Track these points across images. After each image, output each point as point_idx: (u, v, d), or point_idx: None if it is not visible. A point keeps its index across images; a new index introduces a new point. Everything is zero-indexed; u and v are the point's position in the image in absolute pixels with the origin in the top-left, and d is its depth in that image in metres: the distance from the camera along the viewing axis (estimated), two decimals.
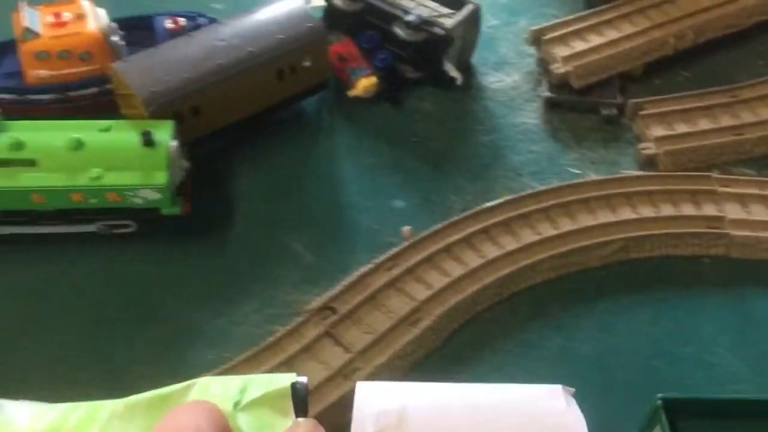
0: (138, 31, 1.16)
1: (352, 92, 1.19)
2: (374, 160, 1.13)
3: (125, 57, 1.11)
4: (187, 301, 0.95)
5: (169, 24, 1.15)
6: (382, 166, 1.12)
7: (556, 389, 0.60)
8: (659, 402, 0.73)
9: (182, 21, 1.16)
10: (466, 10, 1.19)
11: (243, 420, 0.48)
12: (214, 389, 0.50)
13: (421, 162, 1.13)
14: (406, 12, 1.18)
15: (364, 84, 1.18)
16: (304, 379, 0.50)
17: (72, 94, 1.09)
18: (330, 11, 1.23)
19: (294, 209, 1.07)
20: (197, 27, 1.16)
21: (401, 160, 1.13)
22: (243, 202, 1.06)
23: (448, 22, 1.16)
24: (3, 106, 1.09)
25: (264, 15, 1.09)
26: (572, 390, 0.60)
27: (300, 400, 0.49)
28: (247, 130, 1.11)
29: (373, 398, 0.58)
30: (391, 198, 1.08)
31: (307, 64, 1.10)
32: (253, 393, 0.49)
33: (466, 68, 1.25)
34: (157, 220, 0.96)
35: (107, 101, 1.11)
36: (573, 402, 0.59)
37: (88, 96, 1.10)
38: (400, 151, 1.14)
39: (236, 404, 0.48)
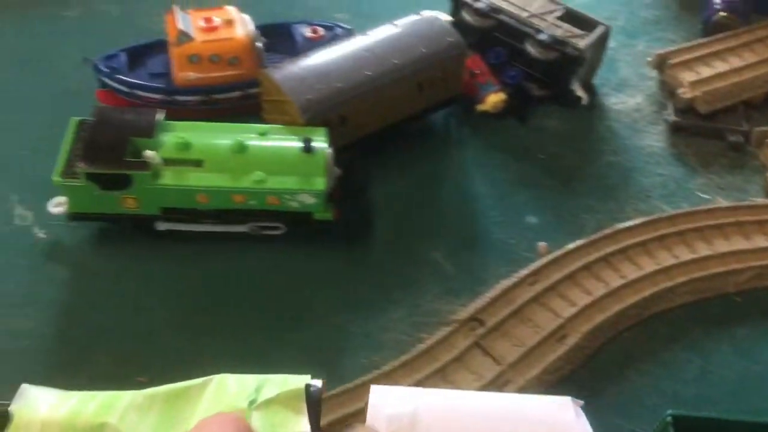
0: (276, 37, 1.20)
1: (481, 107, 1.21)
2: (504, 175, 1.15)
3: (266, 61, 1.15)
4: (334, 305, 0.97)
5: (308, 33, 1.18)
6: (512, 182, 1.14)
7: (566, 401, 0.60)
8: (668, 419, 0.73)
9: (321, 30, 1.19)
10: (598, 31, 1.21)
11: (257, 417, 0.49)
12: (231, 386, 0.51)
13: (550, 179, 1.15)
14: (538, 31, 1.20)
15: (493, 100, 1.20)
16: (318, 383, 0.51)
17: (217, 96, 1.13)
18: (458, 26, 1.26)
19: (430, 218, 1.09)
20: (335, 37, 1.19)
21: (530, 176, 1.15)
22: (381, 209, 1.08)
23: (581, 43, 1.18)
24: (150, 105, 1.13)
25: (406, 28, 1.12)
26: (581, 402, 0.60)
27: (313, 402, 0.50)
28: (382, 140, 1.14)
29: (387, 401, 0.59)
30: (523, 213, 1.10)
31: (445, 77, 1.12)
32: (268, 392, 0.51)
33: (590, 88, 1.27)
34: (307, 223, 0.99)
35: (248, 104, 1.14)
36: (582, 414, 0.59)
37: (231, 99, 1.14)
38: (529, 167, 1.16)
39: (251, 402, 0.50)
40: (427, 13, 1.25)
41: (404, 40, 1.10)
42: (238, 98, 1.14)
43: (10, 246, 0.99)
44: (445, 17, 1.27)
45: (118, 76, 1.10)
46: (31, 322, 0.92)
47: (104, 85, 1.13)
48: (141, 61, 1.15)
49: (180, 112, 1.12)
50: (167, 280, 0.98)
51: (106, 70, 1.10)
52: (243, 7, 1.19)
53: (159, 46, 1.16)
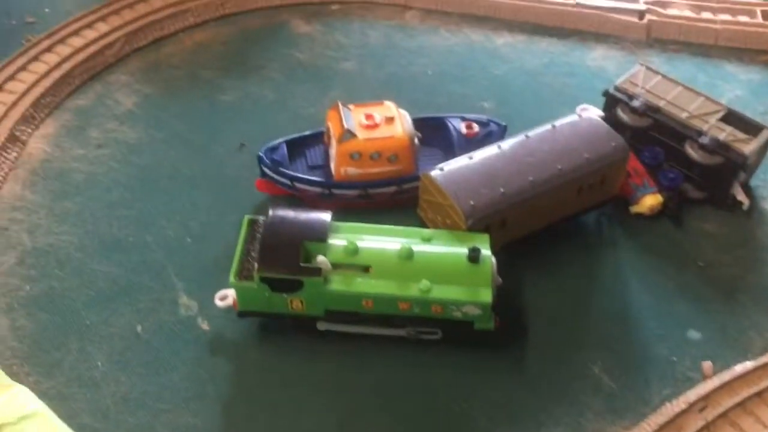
0: (431, 130, 1.21)
1: (636, 209, 1.18)
2: (661, 282, 1.11)
3: (421, 156, 1.16)
4: (492, 417, 0.96)
5: (463, 129, 1.19)
6: (670, 291, 1.10)
7: None
8: None
9: (476, 126, 1.19)
10: (764, 135, 1.16)
11: None
12: None
13: (712, 289, 1.11)
14: (700, 133, 1.17)
15: (650, 203, 1.17)
16: None
17: (373, 191, 1.15)
18: (611, 122, 1.24)
19: (585, 326, 1.06)
20: (489, 133, 1.19)
21: (690, 285, 1.11)
22: (533, 314, 1.07)
23: (746, 148, 1.14)
24: (307, 197, 1.16)
25: (566, 130, 1.11)
26: None
27: None
28: (532, 240, 1.13)
29: None
30: (685, 327, 1.06)
31: (605, 181, 1.11)
32: None
33: (748, 190, 1.23)
34: (467, 332, 0.98)
35: (401, 199, 1.16)
36: None
37: (386, 193, 1.15)
38: (687, 275, 1.12)
39: None
40: (583, 112, 1.25)
41: (566, 144, 1.09)
42: (393, 193, 1.15)
43: (177, 336, 1.02)
44: (597, 112, 1.26)
45: (281, 169, 1.14)
46: (198, 419, 0.94)
47: (264, 174, 1.17)
48: (300, 152, 1.19)
49: (335, 204, 1.15)
50: (328, 381, 0.98)
51: (269, 162, 1.14)
52: (389, 96, 1.22)
53: (316, 138, 1.20)
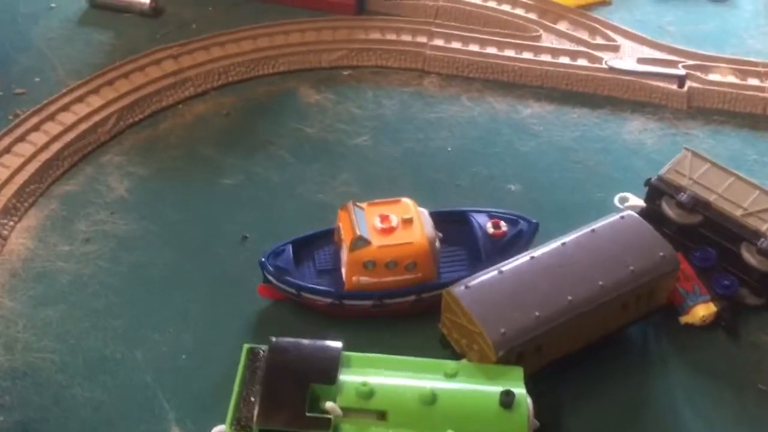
0: (452, 225, 1.09)
1: (686, 319, 1.05)
2: (718, 408, 0.97)
3: (441, 257, 1.04)
4: None
5: (490, 228, 1.06)
6: (729, 421, 0.96)
7: None
8: None
9: (504, 225, 1.07)
10: None
11: None
12: None
13: None
14: (758, 234, 1.04)
15: (702, 313, 1.03)
16: None
17: (389, 300, 1.02)
18: (651, 216, 1.11)
19: None
20: (519, 234, 1.06)
21: (752, 413, 0.97)
22: None
23: None
24: (315, 307, 1.04)
25: (607, 236, 0.98)
26: None
27: None
28: (571, 359, 1.00)
29: None
30: None
31: (653, 293, 0.98)
32: None
33: None
34: None
35: (420, 307, 1.03)
36: None
37: (403, 303, 1.03)
38: (747, 398, 0.98)
39: None
40: (623, 202, 1.12)
41: (608, 254, 0.96)
42: (411, 302, 1.03)
43: None
44: (639, 203, 1.13)
45: (285, 277, 1.02)
46: None
47: (267, 279, 1.04)
48: (308, 253, 1.06)
49: (346, 314, 1.03)
50: None
51: (273, 269, 1.02)
52: (406, 177, 1.10)
53: (325, 237, 1.08)
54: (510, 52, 1.47)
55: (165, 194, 1.22)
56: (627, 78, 1.41)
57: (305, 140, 1.32)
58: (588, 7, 1.62)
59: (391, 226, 1.00)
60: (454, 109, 1.39)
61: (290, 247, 1.05)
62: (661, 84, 1.40)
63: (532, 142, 1.33)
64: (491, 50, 1.47)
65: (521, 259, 0.96)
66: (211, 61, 1.42)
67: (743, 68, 1.44)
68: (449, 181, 1.25)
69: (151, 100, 1.34)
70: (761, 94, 1.38)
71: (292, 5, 1.56)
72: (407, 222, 1.01)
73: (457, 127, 1.36)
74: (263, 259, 1.03)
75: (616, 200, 1.17)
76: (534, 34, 1.50)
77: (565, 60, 1.45)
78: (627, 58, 1.46)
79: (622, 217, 1.01)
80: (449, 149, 1.32)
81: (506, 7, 1.58)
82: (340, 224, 1.02)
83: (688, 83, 1.40)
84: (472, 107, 1.40)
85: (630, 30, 1.52)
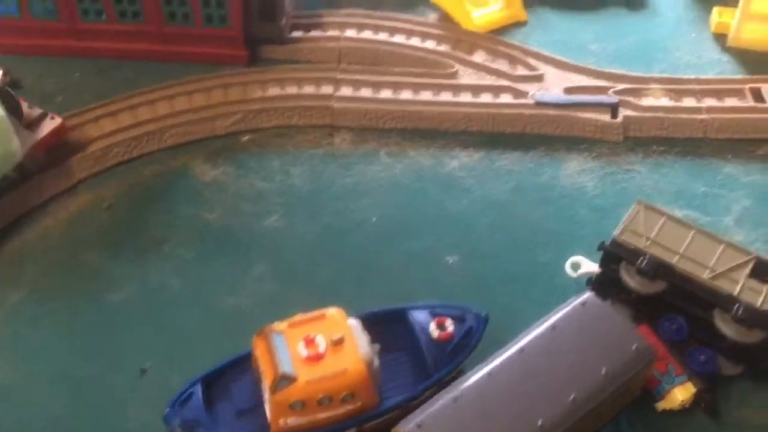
0: (389, 327, 0.93)
1: (663, 404, 0.92)
2: None
3: (383, 368, 0.88)
4: None
5: (434, 329, 0.91)
6: None
7: None
8: None
9: (449, 324, 0.91)
10: None
11: None
12: None
13: None
14: (731, 299, 0.92)
15: (681, 397, 0.91)
16: None
17: None
18: (608, 282, 0.99)
19: None
20: (468, 332, 0.91)
21: None
22: None
23: None
24: None
25: (571, 332, 0.84)
26: None
27: None
28: None
29: None
30: None
31: (628, 389, 0.85)
32: None
33: None
34: None
35: None
36: None
37: None
38: None
39: None
40: (575, 268, 0.99)
41: (575, 357, 0.82)
42: None
43: None
44: (593, 268, 1.01)
45: (198, 430, 0.84)
46: None
47: None
48: (222, 389, 0.88)
49: None
50: None
51: (180, 422, 0.84)
52: (326, 263, 0.93)
53: (242, 364, 0.90)
54: (427, 95, 1.31)
55: (42, 323, 1.01)
56: (556, 113, 1.28)
57: (206, 229, 1.13)
58: (503, 29, 1.49)
59: (318, 353, 0.83)
60: (373, 169, 1.23)
61: (199, 388, 0.87)
62: (594, 116, 1.28)
63: (464, 200, 1.19)
64: (406, 95, 1.31)
65: (476, 376, 0.82)
66: (83, 143, 1.21)
67: (676, 87, 1.33)
68: (377, 263, 1.09)
69: (10, 204, 1.12)
70: (699, 117, 1.27)
71: (174, 61, 1.37)
72: (338, 344, 0.84)
73: (379, 191, 1.20)
74: (167, 411, 0.84)
75: (567, 267, 1.04)
76: (450, 70, 1.35)
77: (487, 97, 1.31)
78: (553, 89, 1.33)
79: (583, 304, 0.88)
80: (373, 220, 1.16)
81: (416, 41, 1.42)
82: (257, 355, 0.85)
83: (622, 112, 1.28)
84: (393, 164, 1.24)
85: (551, 55, 1.39)
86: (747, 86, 1.32)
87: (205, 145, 1.25)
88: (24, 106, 1.16)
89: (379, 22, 1.45)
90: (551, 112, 1.28)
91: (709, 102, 1.30)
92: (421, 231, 1.14)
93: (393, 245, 1.12)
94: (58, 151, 1.18)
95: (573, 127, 1.28)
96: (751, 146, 1.27)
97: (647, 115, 1.28)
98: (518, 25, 1.51)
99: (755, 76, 1.35)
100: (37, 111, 1.18)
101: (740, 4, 1.42)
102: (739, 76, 1.36)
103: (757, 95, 1.31)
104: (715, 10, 1.50)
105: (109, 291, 1.05)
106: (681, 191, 1.19)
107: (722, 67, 1.42)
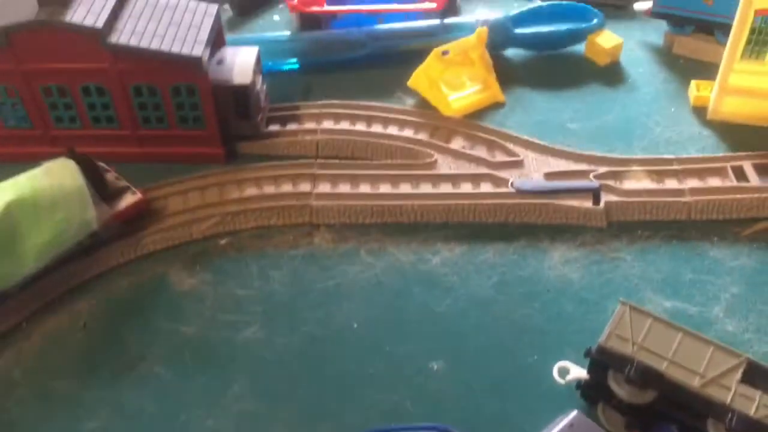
0: None
1: None
2: None
3: None
4: None
5: None
6: None
7: None
8: None
9: None
10: None
11: None
12: None
13: None
14: (724, 409, 0.89)
15: None
16: None
17: None
18: (597, 389, 0.96)
19: None
20: None
21: None
22: None
23: None
24: None
25: None
26: None
27: None
28: None
29: None
30: None
31: None
32: None
33: None
34: None
35: None
36: None
37: None
38: None
39: None
40: (572, 413, 0.95)
41: None
42: None
43: None
44: (581, 374, 0.98)
45: None
46: None
47: None
48: None
49: None
50: None
51: None
52: (309, 374, 0.90)
53: None
54: (406, 187, 1.30)
55: None
56: (538, 201, 1.26)
57: (183, 345, 1.10)
58: (482, 110, 1.49)
59: None
60: (353, 270, 1.20)
61: None
62: (576, 203, 1.26)
63: (447, 299, 1.16)
64: (385, 188, 1.30)
65: None
66: None
67: (658, 169, 1.32)
68: (361, 372, 1.06)
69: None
70: (682, 199, 1.26)
71: (151, 162, 1.36)
72: None
73: (361, 293, 1.17)
74: None
75: (555, 373, 1.01)
76: (429, 160, 1.34)
77: (467, 187, 1.29)
78: (534, 174, 1.32)
79: (571, 426, 0.85)
80: (355, 326, 1.13)
81: (393, 130, 1.41)
82: None
83: (604, 197, 1.27)
84: (374, 263, 1.22)
85: (530, 139, 1.38)
86: (729, 164, 1.31)
87: (182, 252, 1.23)
88: (111, 176, 1.25)
89: (356, 112, 1.45)
90: (533, 201, 1.26)
91: (692, 183, 1.29)
92: (404, 335, 1.11)
93: (376, 352, 1.08)
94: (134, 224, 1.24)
95: (555, 215, 1.26)
96: (736, 226, 1.25)
97: (630, 199, 1.26)
98: (496, 106, 1.51)
99: (737, 153, 1.34)
100: (122, 183, 1.25)
101: (718, 78, 1.42)
102: (721, 154, 1.35)
103: (740, 173, 1.30)
104: (693, 83, 1.50)
105: (83, 418, 1.01)
106: (667, 279, 1.17)
107: (703, 142, 1.41)
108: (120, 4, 1.28)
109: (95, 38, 1.20)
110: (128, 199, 1.23)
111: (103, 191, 1.20)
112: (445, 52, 1.46)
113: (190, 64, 1.24)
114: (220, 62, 1.34)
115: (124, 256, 1.21)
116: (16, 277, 1.11)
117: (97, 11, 1.22)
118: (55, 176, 1.14)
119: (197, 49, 1.24)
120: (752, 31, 1.34)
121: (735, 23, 1.34)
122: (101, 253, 1.20)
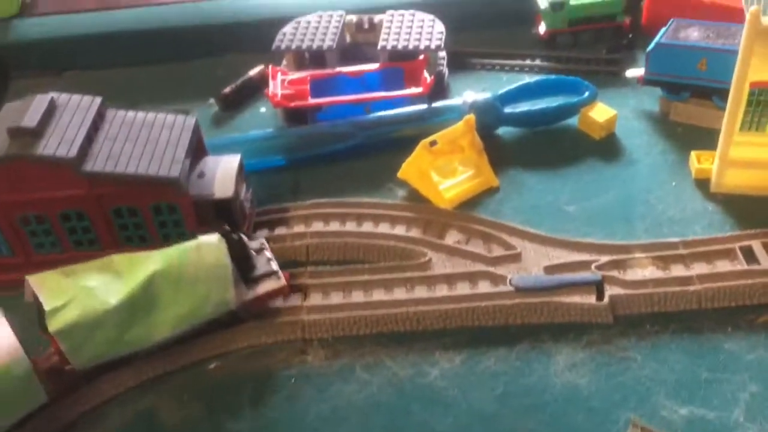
0: None
1: None
2: None
3: None
4: None
5: None
6: None
7: None
8: None
9: None
10: None
11: None
12: None
13: None
14: None
15: None
16: None
17: None
18: None
19: None
20: None
21: None
22: None
23: None
24: None
25: None
26: None
27: None
28: None
29: None
30: None
31: None
32: None
33: None
34: None
35: None
36: None
37: None
38: None
39: None
40: None
41: None
42: None
43: None
44: None
45: None
46: None
47: None
48: None
49: None
50: None
51: None
52: None
53: None
54: (400, 292, 1.24)
55: None
56: (539, 300, 1.20)
57: None
58: (476, 197, 1.44)
59: None
60: (349, 389, 1.14)
61: None
62: (578, 299, 1.19)
63: (449, 418, 1.09)
64: (378, 295, 1.24)
65: None
66: None
67: (663, 254, 1.26)
68: None
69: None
70: (691, 288, 1.19)
71: None
72: None
73: (358, 415, 1.11)
74: None
75: None
76: (422, 260, 1.29)
77: (464, 288, 1.24)
78: (532, 268, 1.26)
79: None
80: None
81: (385, 228, 1.37)
82: None
83: (608, 290, 1.21)
84: (370, 380, 1.15)
85: (527, 229, 1.33)
86: (737, 245, 1.25)
87: (170, 381, 1.17)
88: (264, 258, 1.25)
89: (346, 210, 1.40)
90: (533, 299, 1.20)
91: (700, 268, 1.22)
92: None
93: None
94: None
95: (557, 314, 1.20)
96: (750, 313, 1.18)
97: (636, 291, 1.19)
98: (490, 191, 1.46)
99: (745, 232, 1.28)
100: (272, 266, 1.24)
101: (718, 151, 1.36)
102: (728, 233, 1.28)
103: (749, 255, 1.23)
104: (693, 155, 1.44)
105: None
106: (681, 380, 1.10)
107: (709, 219, 1.35)
108: (94, 127, 1.25)
109: (69, 167, 1.18)
110: (270, 284, 1.22)
111: (247, 274, 1.21)
112: (433, 143, 1.42)
113: (169, 184, 1.21)
114: (201, 175, 1.30)
115: (109, 391, 1.16)
116: (147, 343, 1.14)
117: (70, 139, 1.19)
118: (204, 253, 1.16)
119: (174, 169, 1.20)
120: (749, 103, 1.29)
121: (731, 96, 1.29)
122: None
